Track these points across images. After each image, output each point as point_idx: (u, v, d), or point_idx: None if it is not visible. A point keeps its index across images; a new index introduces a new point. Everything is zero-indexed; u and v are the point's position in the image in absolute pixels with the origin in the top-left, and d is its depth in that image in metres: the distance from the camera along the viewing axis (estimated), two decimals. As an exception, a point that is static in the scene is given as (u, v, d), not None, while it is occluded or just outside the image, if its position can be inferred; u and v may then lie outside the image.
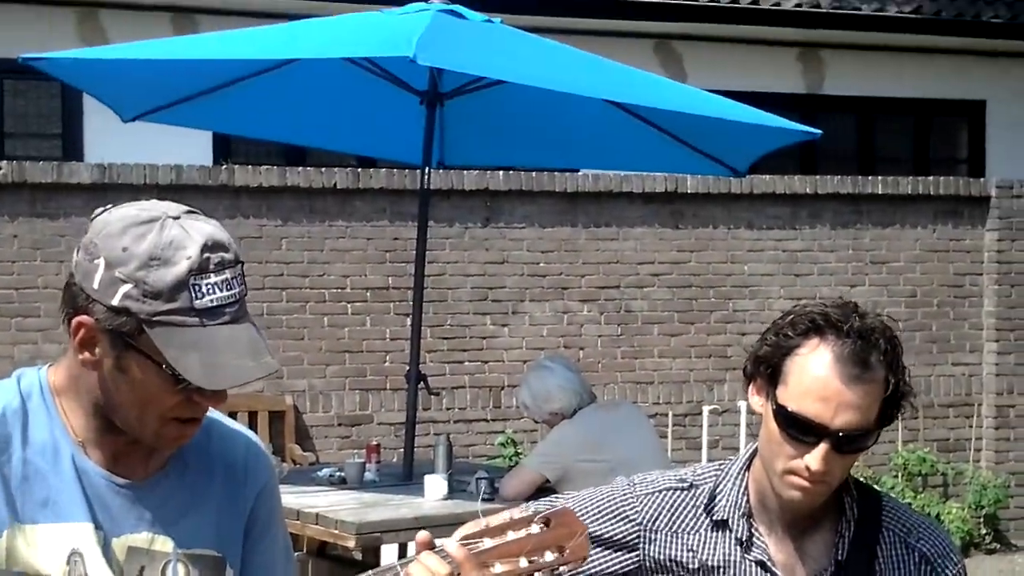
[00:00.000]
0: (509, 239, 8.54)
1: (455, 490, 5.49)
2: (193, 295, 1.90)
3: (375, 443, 6.36)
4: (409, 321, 6.50)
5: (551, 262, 8.64)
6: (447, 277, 8.34)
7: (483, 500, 5.28)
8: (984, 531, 9.24)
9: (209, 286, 1.91)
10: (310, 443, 8.01)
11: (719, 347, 8.96)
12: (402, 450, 6.31)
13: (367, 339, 8.20)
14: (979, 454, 9.42)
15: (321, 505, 5.28)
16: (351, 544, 5.12)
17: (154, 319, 1.90)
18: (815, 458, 2.29)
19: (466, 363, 8.42)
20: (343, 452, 7.77)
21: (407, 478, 5.86)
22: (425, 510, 5.26)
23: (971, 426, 9.43)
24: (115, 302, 1.90)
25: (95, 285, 1.92)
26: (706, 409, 8.74)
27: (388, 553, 5.91)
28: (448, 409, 8.33)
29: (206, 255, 1.92)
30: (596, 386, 8.28)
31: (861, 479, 2.54)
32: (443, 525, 4.81)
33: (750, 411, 9.56)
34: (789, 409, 2.31)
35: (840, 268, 9.31)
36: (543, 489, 5.35)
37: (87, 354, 1.95)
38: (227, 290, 1.93)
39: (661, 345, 8.86)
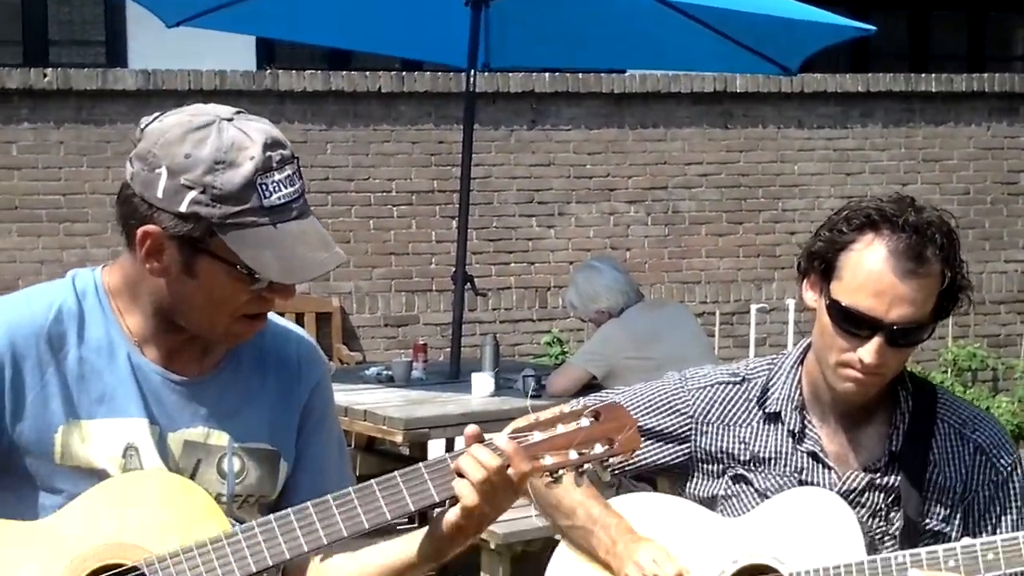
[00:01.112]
0: (555, 141, 8.46)
1: (502, 387, 5.50)
2: (261, 194, 1.89)
3: (422, 343, 6.39)
4: (455, 223, 6.48)
5: (597, 164, 8.56)
6: (493, 180, 8.29)
7: (530, 397, 5.30)
8: (1033, 425, 9.21)
9: (275, 184, 1.90)
10: (357, 343, 8.06)
11: (768, 246, 8.89)
12: (448, 350, 6.33)
13: (413, 241, 8.20)
14: (1030, 350, 9.36)
15: (369, 402, 5.31)
16: (399, 439, 5.16)
17: (226, 222, 1.89)
18: (869, 351, 2.26)
19: (512, 264, 8.41)
20: (390, 352, 7.81)
21: (454, 377, 5.88)
22: (472, 407, 5.28)
23: (1022, 322, 9.35)
24: (183, 208, 1.89)
25: (159, 194, 1.90)
26: (754, 308, 8.70)
27: (435, 448, 5.96)
28: (494, 310, 8.34)
29: (268, 153, 1.90)
30: (643, 287, 8.23)
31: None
32: (490, 421, 4.81)
33: (799, 309, 9.54)
34: (843, 303, 2.28)
35: (892, 167, 9.18)
36: (590, 387, 5.36)
37: (154, 263, 1.94)
38: (291, 186, 1.92)
39: (709, 245, 8.80)
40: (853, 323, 2.27)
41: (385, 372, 5.88)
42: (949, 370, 9.09)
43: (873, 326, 2.26)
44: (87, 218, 7.51)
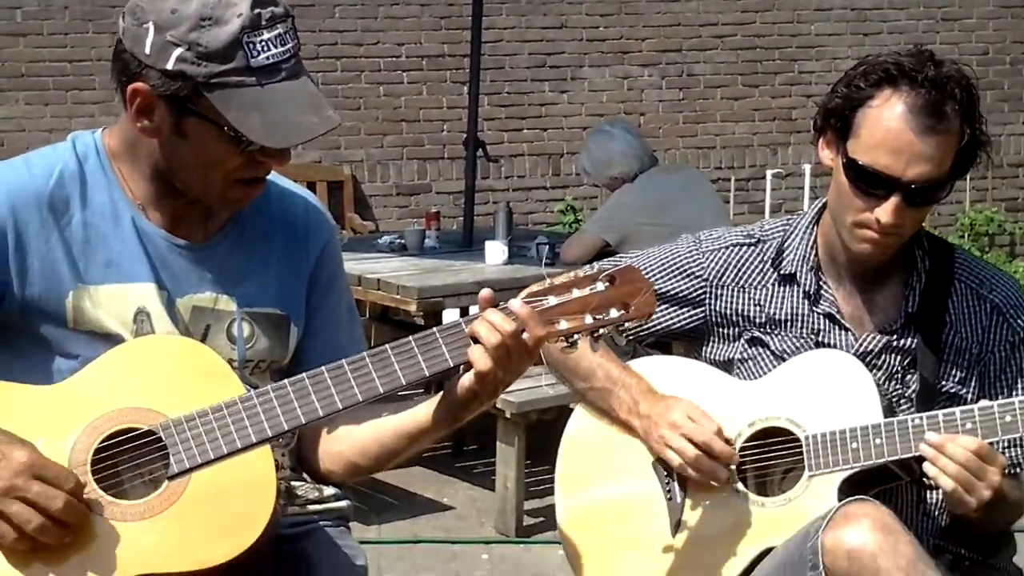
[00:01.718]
0: (567, 2, 8.31)
1: (515, 255, 5.49)
2: (248, 53, 1.84)
3: (435, 211, 6.36)
4: (466, 89, 6.41)
5: (610, 25, 8.41)
6: (504, 43, 8.17)
7: (545, 264, 5.29)
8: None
9: (263, 43, 1.85)
10: (369, 213, 8.03)
11: (783, 110, 8.79)
12: (461, 218, 6.30)
13: (424, 108, 8.11)
14: (1049, 214, 9.31)
15: (382, 271, 5.31)
16: (412, 308, 5.17)
17: (211, 81, 1.84)
18: (886, 211, 2.22)
19: (524, 131, 8.33)
20: (402, 221, 7.79)
21: (467, 245, 5.87)
22: (486, 274, 5.28)
23: (1041, 186, 9.29)
24: (169, 66, 1.84)
25: (147, 50, 1.86)
26: (769, 173, 8.64)
27: (449, 317, 5.99)
28: (507, 177, 8.29)
29: (256, 10, 1.84)
30: (657, 152, 8.16)
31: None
32: (504, 289, 4.79)
33: (815, 174, 9.46)
34: (860, 162, 2.23)
35: (910, 26, 9.01)
36: (603, 253, 5.34)
37: (145, 121, 1.90)
38: (281, 45, 1.87)
39: (724, 109, 8.70)
40: (870, 182, 2.23)
41: (398, 241, 5.86)
42: (966, 234, 9.05)
43: (890, 185, 2.21)
44: (94, 85, 7.43)
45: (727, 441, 2.28)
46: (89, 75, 7.43)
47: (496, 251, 5.44)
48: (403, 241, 5.83)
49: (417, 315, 5.66)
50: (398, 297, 5.10)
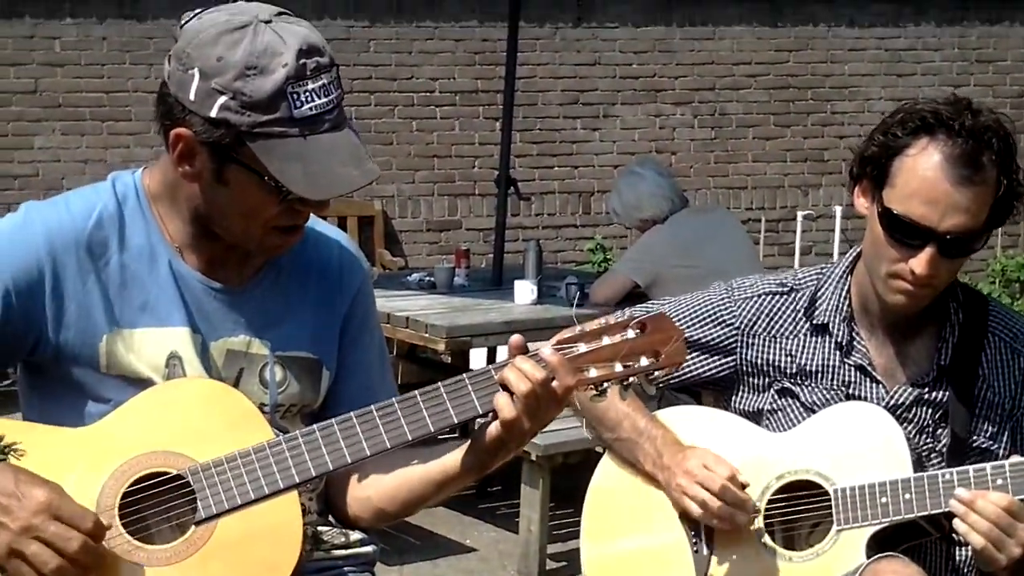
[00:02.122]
0: (601, 39, 8.34)
1: (544, 295, 5.49)
2: (292, 104, 1.84)
3: (464, 248, 6.36)
4: (498, 125, 6.43)
5: (644, 63, 8.44)
6: (537, 80, 8.20)
7: (574, 305, 5.28)
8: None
9: (307, 93, 1.85)
10: (399, 248, 8.06)
11: (815, 151, 8.77)
12: (491, 255, 6.31)
13: (456, 144, 8.14)
14: (1082, 261, 9.23)
15: (411, 309, 5.32)
16: (441, 347, 5.18)
17: (254, 131, 1.84)
18: (920, 262, 2.21)
19: (556, 168, 8.34)
20: (432, 257, 7.81)
21: (496, 283, 5.87)
22: (515, 314, 5.28)
23: (1076, 232, 9.23)
24: (213, 114, 1.85)
25: (191, 96, 1.86)
26: (800, 214, 8.61)
27: (477, 356, 5.97)
28: (537, 215, 8.30)
29: (302, 61, 1.84)
30: (688, 191, 8.12)
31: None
32: (533, 329, 4.82)
33: (846, 216, 9.43)
34: (895, 211, 2.22)
35: (945, 67, 9.00)
36: (633, 295, 5.33)
37: (187, 167, 1.91)
38: (325, 96, 1.86)
39: (756, 149, 8.70)
40: (905, 232, 2.21)
41: (427, 279, 5.87)
42: (997, 280, 8.98)
43: (926, 235, 2.20)
44: (130, 116, 7.50)
45: (742, 486, 2.26)
46: (125, 106, 7.50)
47: (525, 291, 5.43)
48: (432, 279, 5.84)
49: (445, 354, 5.65)
50: (426, 335, 5.11)
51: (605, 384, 1.91)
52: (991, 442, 2.35)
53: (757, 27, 8.61)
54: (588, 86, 8.36)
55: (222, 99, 1.84)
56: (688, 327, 2.43)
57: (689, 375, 2.46)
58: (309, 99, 1.85)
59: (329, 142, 1.87)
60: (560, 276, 5.90)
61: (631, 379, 1.92)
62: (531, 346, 1.92)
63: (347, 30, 7.83)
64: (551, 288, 5.57)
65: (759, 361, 2.44)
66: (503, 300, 5.50)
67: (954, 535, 2.26)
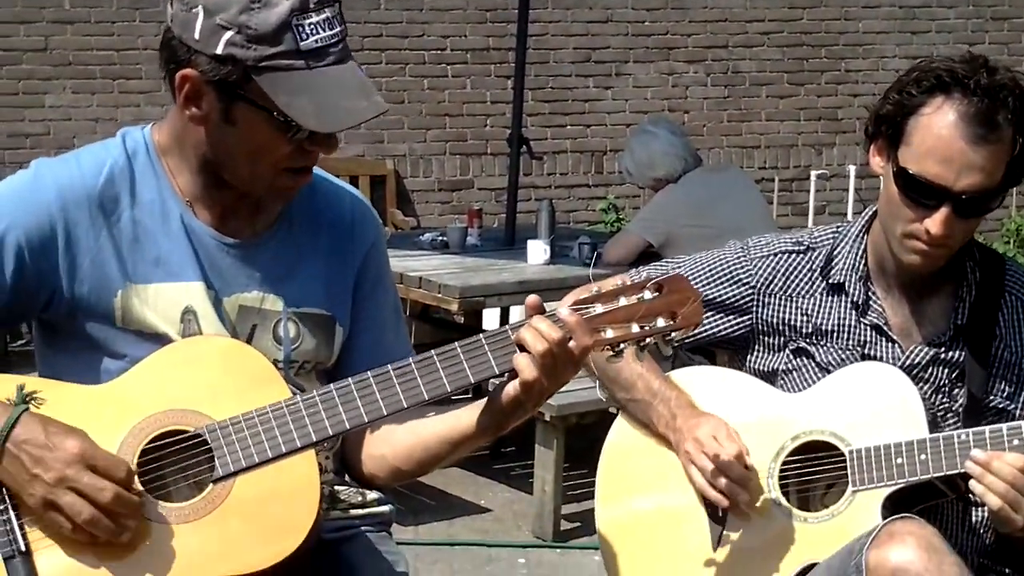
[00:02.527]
0: (613, -4, 8.30)
1: (557, 255, 5.48)
2: (297, 36, 1.84)
3: (477, 208, 6.35)
4: (510, 83, 6.40)
5: (656, 20, 8.38)
6: (549, 37, 8.15)
7: (586, 264, 5.28)
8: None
9: (312, 26, 1.85)
10: (411, 208, 8.05)
11: (829, 109, 8.73)
12: (503, 215, 6.30)
13: (467, 102, 8.11)
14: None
15: (424, 269, 5.31)
16: (454, 307, 5.18)
17: (260, 65, 1.84)
18: (935, 222, 2.20)
19: (568, 127, 8.31)
20: (444, 217, 7.80)
21: (509, 243, 5.86)
22: (528, 274, 5.27)
23: (1091, 192, 9.19)
24: (219, 50, 1.84)
25: (196, 35, 1.85)
26: (814, 174, 8.57)
27: (489, 316, 5.98)
28: (549, 174, 8.28)
29: None
30: (701, 150, 8.07)
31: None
32: (546, 290, 4.82)
33: (860, 175, 9.37)
34: (910, 171, 2.21)
35: (959, 25, 8.93)
36: (646, 254, 5.31)
37: (194, 109, 1.90)
38: (329, 29, 1.86)
39: (769, 107, 8.65)
40: (920, 192, 2.20)
41: (440, 238, 5.86)
42: (1012, 240, 8.95)
43: (941, 195, 2.19)
44: (140, 75, 7.48)
45: (747, 467, 2.26)
46: (135, 64, 7.48)
47: (538, 251, 5.43)
48: (445, 239, 5.83)
49: (458, 314, 5.65)
50: (439, 296, 5.11)
51: (622, 345, 1.91)
52: (1008, 402, 2.34)
53: (771, -16, 8.56)
54: (600, 43, 8.31)
55: (227, 34, 1.84)
56: (704, 286, 2.42)
57: (705, 335, 2.46)
58: (314, 31, 1.85)
59: (336, 74, 1.87)
60: (573, 236, 5.89)
61: (647, 340, 1.92)
62: (547, 306, 1.92)
63: (358, -13, 7.80)
64: (564, 248, 5.56)
65: (775, 320, 2.43)
66: (516, 260, 5.49)
67: (970, 496, 2.26)
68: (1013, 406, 2.34)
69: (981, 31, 8.97)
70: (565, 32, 8.22)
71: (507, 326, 1.92)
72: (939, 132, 2.19)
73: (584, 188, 8.37)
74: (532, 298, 1.90)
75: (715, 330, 2.46)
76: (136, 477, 1.84)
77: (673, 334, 1.93)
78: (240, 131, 1.90)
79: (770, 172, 8.61)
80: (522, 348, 1.87)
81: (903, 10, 8.82)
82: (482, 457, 5.44)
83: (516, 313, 6.13)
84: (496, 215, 7.39)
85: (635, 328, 1.90)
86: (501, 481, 5.34)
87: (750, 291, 2.44)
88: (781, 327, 2.43)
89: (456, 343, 1.91)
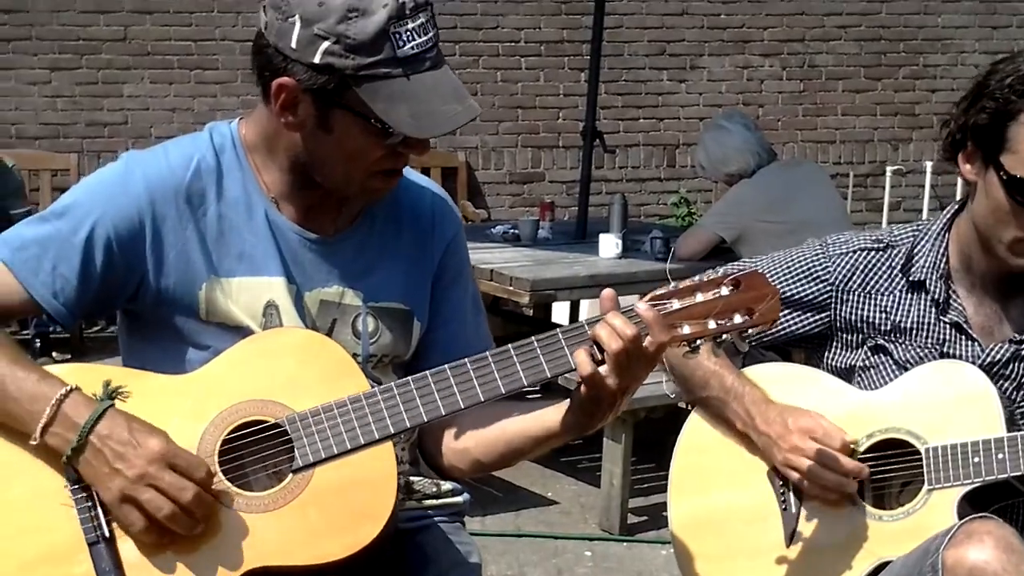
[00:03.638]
0: (688, -11, 8.27)
1: (629, 249, 5.46)
2: (395, 44, 1.84)
3: (549, 201, 6.36)
4: (584, 76, 6.40)
5: (732, 13, 8.34)
6: (623, 30, 8.14)
7: (657, 259, 5.26)
8: None
9: (408, 32, 1.85)
10: (482, 200, 8.07)
11: (907, 104, 8.62)
12: (574, 208, 6.30)
13: (540, 95, 8.12)
14: None
15: (496, 261, 5.32)
16: (525, 300, 5.18)
17: (359, 74, 1.85)
18: None
19: (641, 120, 8.29)
20: (515, 210, 7.82)
21: (580, 236, 5.86)
22: (599, 268, 5.26)
23: None
24: (317, 60, 1.85)
25: (293, 44, 1.87)
26: (889, 169, 8.48)
27: (559, 310, 5.98)
28: (621, 168, 8.26)
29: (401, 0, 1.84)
30: (775, 145, 8.01)
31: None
32: (617, 284, 4.78)
33: (936, 171, 9.24)
34: (1021, 177, 2.18)
35: (1041, 20, 8.79)
36: (719, 250, 5.29)
37: (290, 116, 1.92)
38: (424, 34, 1.87)
39: (845, 102, 8.57)
40: None
41: (512, 231, 5.88)
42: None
43: None
44: (217, 65, 7.56)
45: (852, 452, 2.24)
46: (213, 55, 7.58)
47: (610, 245, 5.42)
48: (517, 231, 5.84)
49: (528, 307, 5.66)
50: (511, 288, 5.11)
51: (698, 341, 1.90)
52: None
53: (849, -24, 8.48)
54: (675, 36, 8.27)
55: (325, 44, 1.84)
56: (782, 283, 2.42)
57: (784, 332, 2.45)
58: (411, 38, 1.85)
59: (432, 80, 1.88)
60: (645, 230, 5.87)
61: (724, 336, 1.91)
62: (624, 301, 1.92)
63: (433, -21, 7.82)
64: (636, 242, 5.55)
65: (853, 318, 2.42)
66: (587, 254, 5.48)
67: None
68: (1095, 406, 2.32)
69: (1063, 25, 8.83)
70: (640, 25, 8.20)
71: (584, 320, 1.92)
72: None
73: (656, 182, 8.35)
74: (607, 292, 1.89)
75: (795, 327, 2.45)
76: (217, 473, 1.87)
77: (750, 331, 1.92)
78: (336, 137, 1.91)
79: (845, 168, 8.53)
80: (597, 344, 1.87)
81: (984, 4, 8.69)
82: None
83: (586, 306, 6.13)
84: (568, 208, 7.39)
85: (712, 324, 1.89)
86: (568, 474, 5.34)
87: (829, 287, 2.43)
88: (860, 324, 2.41)
89: (533, 337, 1.91)
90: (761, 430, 2.32)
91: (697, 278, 1.92)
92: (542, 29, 8.06)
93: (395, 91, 1.85)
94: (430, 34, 1.88)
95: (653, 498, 4.87)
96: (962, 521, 2.13)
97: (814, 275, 2.44)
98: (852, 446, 2.27)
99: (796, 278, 2.44)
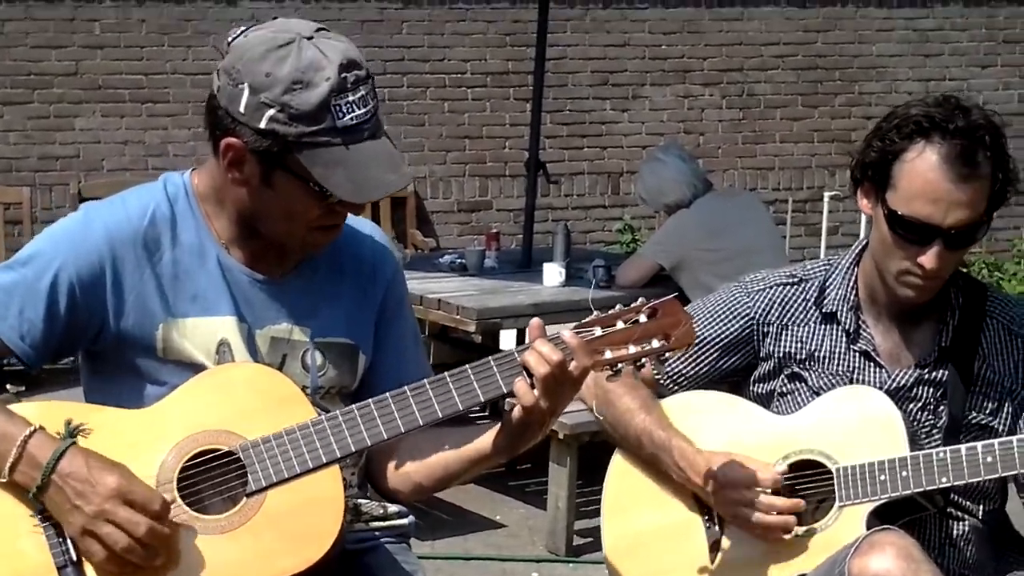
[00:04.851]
0: (631, 20, 8.39)
1: (572, 277, 5.59)
2: (335, 115, 1.99)
3: (495, 231, 6.46)
4: (529, 106, 6.51)
5: (673, 44, 8.49)
6: (567, 61, 8.27)
7: (598, 287, 5.37)
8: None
9: (348, 105, 1.99)
10: (430, 229, 8.16)
11: (843, 131, 8.81)
12: (521, 236, 6.40)
13: (487, 125, 8.22)
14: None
15: (443, 291, 5.44)
16: (472, 328, 5.30)
17: (301, 141, 1.99)
18: (930, 258, 2.34)
19: (585, 149, 8.42)
20: (463, 238, 7.90)
21: (525, 265, 5.97)
22: (543, 297, 5.39)
23: (1101, 212, 9.23)
24: (262, 125, 2.00)
25: (241, 109, 2.01)
26: (827, 195, 8.65)
27: (507, 337, 6.09)
28: (567, 196, 8.38)
29: (343, 75, 1.99)
30: (715, 172, 8.21)
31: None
32: (560, 312, 4.96)
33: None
34: (900, 213, 2.35)
35: (971, 48, 9.01)
36: (659, 278, 5.43)
37: (236, 173, 2.06)
38: (364, 107, 2.01)
39: (783, 130, 8.74)
40: (912, 231, 2.34)
41: (459, 260, 5.97)
42: (1022, 260, 9.01)
43: (932, 232, 2.33)
44: (168, 98, 7.57)
45: (778, 492, 2.37)
46: (164, 88, 7.60)
47: (553, 273, 5.54)
48: (463, 261, 5.94)
49: (475, 335, 5.76)
50: (458, 317, 5.23)
51: (619, 365, 2.04)
52: (991, 418, 2.47)
53: (786, 8, 8.63)
54: (617, 67, 8.42)
55: (271, 111, 1.99)
56: (709, 326, 2.55)
57: (718, 372, 2.58)
58: (350, 110, 2.00)
59: (369, 150, 2.03)
60: (588, 257, 5.98)
61: (643, 360, 2.06)
62: (555, 328, 2.06)
63: (380, 11, 7.93)
64: (579, 270, 5.66)
65: (773, 348, 2.56)
66: (532, 282, 5.60)
67: (949, 510, 2.40)
68: (996, 422, 2.47)
69: (993, 54, 9.04)
70: (583, 56, 8.34)
71: (515, 348, 2.07)
72: (925, 175, 2.32)
73: (600, 209, 8.48)
74: (535, 321, 2.06)
75: (726, 366, 2.58)
76: (174, 503, 1.98)
77: (667, 354, 2.07)
78: (278, 195, 2.06)
79: (784, 193, 8.70)
80: (527, 369, 2.02)
81: (916, 33, 8.89)
82: (498, 474, 5.45)
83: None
84: (514, 236, 7.50)
85: (632, 349, 2.03)
86: (516, 497, 5.39)
87: (750, 322, 2.57)
88: (779, 354, 2.55)
89: (467, 365, 2.06)
90: (695, 483, 2.43)
91: (618, 307, 2.08)
92: (488, 61, 8.18)
93: (334, 158, 2.00)
94: (369, 106, 2.02)
95: (598, 520, 4.85)
96: (866, 533, 2.28)
97: (735, 312, 2.58)
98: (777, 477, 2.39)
99: (720, 318, 2.58)
